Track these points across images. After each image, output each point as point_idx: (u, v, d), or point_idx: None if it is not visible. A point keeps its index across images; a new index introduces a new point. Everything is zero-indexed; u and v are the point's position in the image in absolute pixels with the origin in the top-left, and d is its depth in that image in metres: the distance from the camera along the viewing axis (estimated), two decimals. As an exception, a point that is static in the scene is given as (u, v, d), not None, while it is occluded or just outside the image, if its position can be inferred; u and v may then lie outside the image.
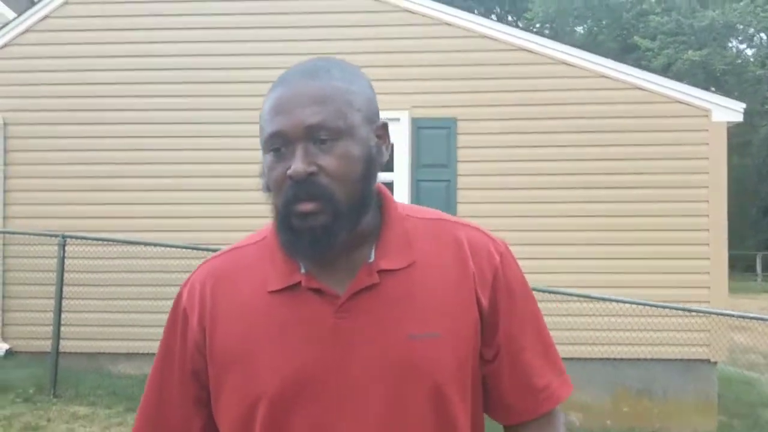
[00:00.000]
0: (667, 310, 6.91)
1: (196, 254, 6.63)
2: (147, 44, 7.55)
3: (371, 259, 1.13)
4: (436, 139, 7.37)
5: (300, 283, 1.13)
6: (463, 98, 7.34)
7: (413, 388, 1.10)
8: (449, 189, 7.37)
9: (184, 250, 6.81)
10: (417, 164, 7.42)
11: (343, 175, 1.09)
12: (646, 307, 6.84)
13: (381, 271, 1.12)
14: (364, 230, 1.14)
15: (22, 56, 7.65)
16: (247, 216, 5.82)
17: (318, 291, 1.13)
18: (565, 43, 7.68)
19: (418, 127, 7.39)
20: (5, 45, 7.70)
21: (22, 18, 7.77)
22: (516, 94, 7.31)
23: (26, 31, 7.70)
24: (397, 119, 7.37)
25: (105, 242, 7.07)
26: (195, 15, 7.55)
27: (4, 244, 7.50)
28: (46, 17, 7.68)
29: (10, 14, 10.88)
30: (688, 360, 7.21)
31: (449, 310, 1.13)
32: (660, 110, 7.22)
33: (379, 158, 1.16)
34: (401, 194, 7.36)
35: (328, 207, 1.08)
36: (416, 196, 7.38)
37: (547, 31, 29.76)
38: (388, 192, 1.21)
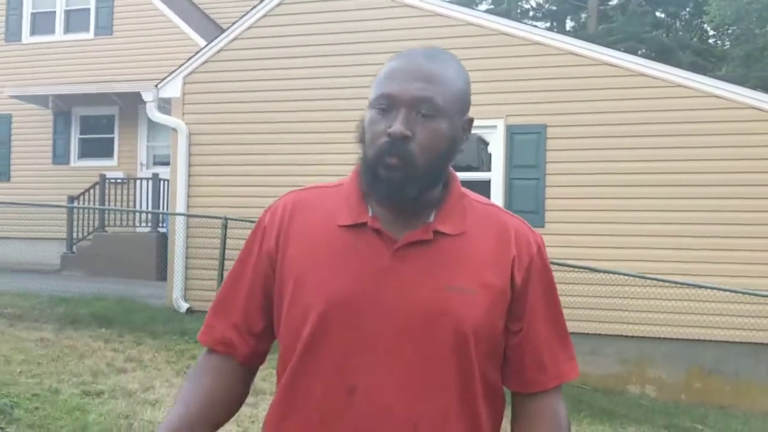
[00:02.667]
0: (738, 295, 7.60)
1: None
2: (311, 69, 9.39)
3: (431, 220, 1.30)
4: (527, 143, 8.56)
5: (366, 223, 1.30)
6: (552, 107, 8.46)
7: (441, 333, 1.23)
8: (538, 186, 8.52)
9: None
10: (510, 165, 8.64)
11: (429, 148, 1.25)
12: (722, 292, 7.59)
13: (436, 232, 1.29)
14: (431, 199, 1.31)
15: (207, 80, 9.79)
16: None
17: (379, 233, 1.28)
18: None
19: (512, 132, 8.61)
20: (192, 72, 9.89)
21: (209, 46, 9.92)
22: (599, 103, 8.32)
23: (206, 61, 9.84)
24: (494, 126, 8.66)
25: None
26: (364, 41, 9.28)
27: (188, 227, 9.66)
28: (220, 50, 9.78)
29: (201, 42, 13.37)
30: (760, 344, 7.80)
31: (486, 276, 1.28)
32: (731, 116, 7.92)
33: (460, 145, 1.34)
34: (496, 191, 8.63)
35: (406, 167, 1.24)
36: (509, 192, 8.60)
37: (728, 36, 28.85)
38: (455, 174, 1.39)
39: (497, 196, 8.61)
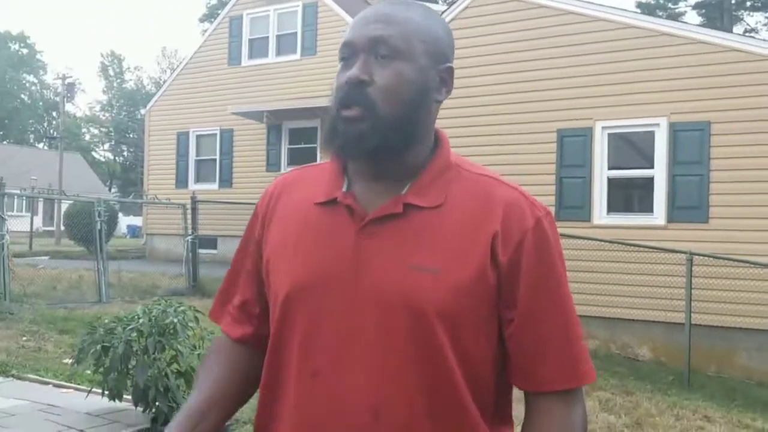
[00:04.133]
0: None
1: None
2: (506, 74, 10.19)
3: (404, 192, 1.18)
4: (691, 140, 8.69)
5: (337, 198, 1.21)
6: (716, 104, 8.54)
7: (399, 314, 1.13)
8: (702, 182, 8.62)
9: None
10: (673, 161, 8.81)
11: (391, 91, 1.15)
12: None
13: (408, 205, 1.17)
14: (410, 165, 1.20)
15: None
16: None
17: (350, 209, 1.19)
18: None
19: (675, 130, 8.79)
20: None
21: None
22: (765, 98, 8.27)
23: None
24: (657, 124, 8.89)
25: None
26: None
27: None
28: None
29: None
30: None
31: (458, 253, 1.15)
32: None
33: (436, 95, 1.22)
34: (659, 187, 8.84)
35: (369, 116, 1.14)
36: (672, 188, 8.78)
37: None
38: (447, 140, 1.27)
39: (660, 192, 8.83)
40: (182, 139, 19.47)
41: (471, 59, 10.07)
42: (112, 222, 20.72)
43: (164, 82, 23.09)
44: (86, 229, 16.44)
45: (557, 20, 9.58)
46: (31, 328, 7.76)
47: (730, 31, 25.49)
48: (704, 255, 8.03)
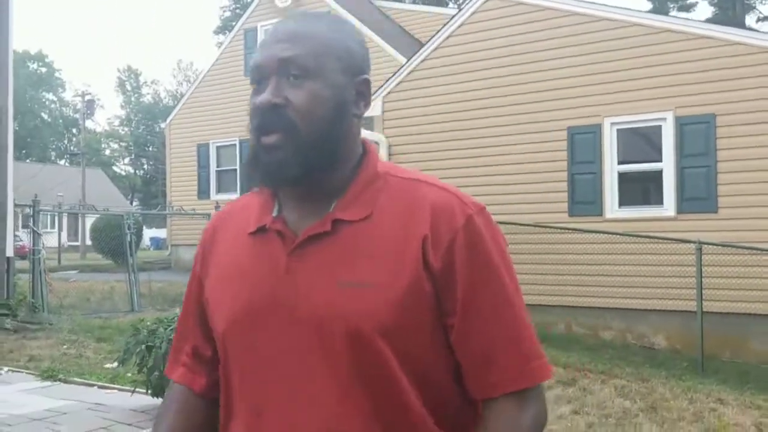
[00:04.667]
0: None
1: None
2: (487, 90, 10.49)
3: (331, 209, 1.14)
4: (696, 133, 8.93)
5: (266, 225, 1.17)
6: (720, 97, 8.77)
7: (336, 336, 1.08)
8: (709, 173, 8.86)
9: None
10: (681, 154, 9.06)
11: (309, 112, 1.11)
12: None
13: (337, 221, 1.13)
14: (336, 182, 1.16)
15: (402, 98, 11.22)
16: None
17: (280, 234, 1.15)
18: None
19: (681, 123, 9.03)
20: (390, 92, 11.37)
21: (402, 69, 11.35)
22: (766, 90, 8.50)
23: (401, 82, 11.27)
24: (664, 119, 9.14)
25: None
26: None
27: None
28: (412, 71, 11.16)
29: (401, 58, 14.91)
30: None
31: (389, 264, 1.10)
32: None
33: (355, 109, 1.17)
34: (668, 179, 9.09)
35: (290, 140, 1.10)
36: (680, 180, 9.02)
37: None
38: (374, 151, 1.22)
39: (669, 185, 9.08)
40: (203, 150, 19.93)
41: (480, 62, 10.37)
42: (138, 234, 21.27)
43: (182, 95, 23.59)
44: (114, 242, 16.95)
45: (561, 21, 9.86)
46: (71, 337, 8.17)
47: (743, 21, 25.57)
48: (712, 244, 8.26)
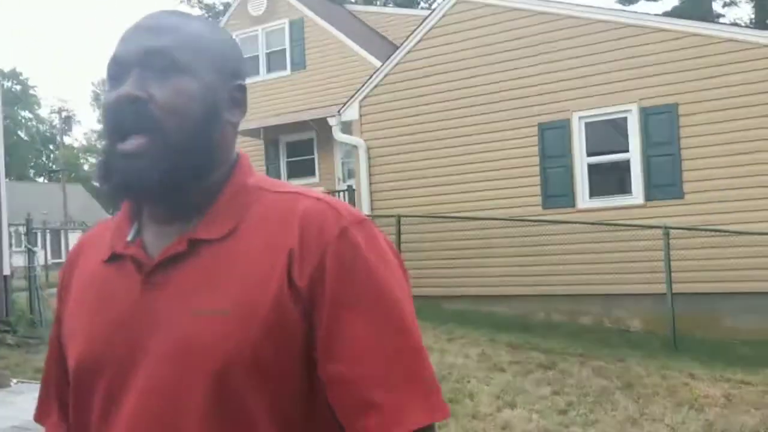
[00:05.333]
0: None
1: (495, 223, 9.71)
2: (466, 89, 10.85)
3: (191, 228, 1.01)
4: (660, 122, 9.34)
5: (117, 251, 1.04)
6: (682, 87, 9.19)
7: (191, 371, 0.94)
8: (674, 161, 9.27)
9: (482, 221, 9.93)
10: (647, 143, 9.46)
11: (176, 110, 0.96)
12: None
13: (195, 241, 0.99)
14: (203, 198, 1.02)
15: (378, 102, 11.54)
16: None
17: (134, 259, 1.01)
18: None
19: (646, 114, 9.43)
20: (366, 96, 11.68)
21: (376, 74, 11.67)
22: (725, 78, 8.92)
23: (376, 86, 11.59)
24: (629, 110, 9.54)
25: (423, 219, 10.55)
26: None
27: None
28: (386, 75, 11.48)
29: (377, 63, 15.24)
30: None
31: (247, 285, 0.95)
32: None
33: (228, 115, 1.04)
34: (635, 168, 9.49)
35: (153, 143, 0.95)
36: (647, 168, 9.43)
37: None
38: (247, 163, 1.08)
39: (637, 174, 9.48)
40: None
41: (452, 64, 10.73)
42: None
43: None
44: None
45: (528, 21, 10.23)
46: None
47: (710, 6, 26.14)
48: (678, 228, 8.67)
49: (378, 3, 35.15)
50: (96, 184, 1.00)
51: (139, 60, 0.98)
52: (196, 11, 43.00)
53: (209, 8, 41.20)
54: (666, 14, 25.89)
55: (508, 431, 5.49)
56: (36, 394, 1.20)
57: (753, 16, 26.05)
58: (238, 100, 1.07)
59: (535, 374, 7.08)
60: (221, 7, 41.02)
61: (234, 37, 1.10)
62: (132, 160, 0.95)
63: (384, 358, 0.94)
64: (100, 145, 1.20)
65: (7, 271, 8.62)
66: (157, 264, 1.00)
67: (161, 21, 1.03)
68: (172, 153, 0.96)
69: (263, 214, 1.01)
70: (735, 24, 8.47)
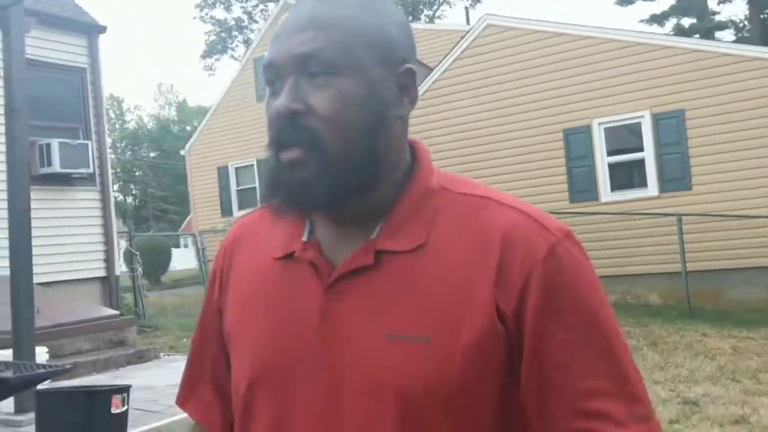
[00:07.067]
0: None
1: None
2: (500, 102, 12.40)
3: (374, 235, 0.92)
4: (670, 126, 10.93)
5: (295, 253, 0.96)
6: (688, 95, 10.77)
7: (381, 398, 0.87)
8: (683, 158, 10.87)
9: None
10: (659, 144, 11.05)
11: (337, 118, 0.88)
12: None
13: (381, 252, 0.91)
14: (381, 200, 0.93)
15: (423, 114, 13.08)
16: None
17: (312, 264, 0.93)
18: None
19: (657, 119, 11.02)
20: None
21: (422, 85, 13.21)
22: (723, 86, 10.51)
23: (425, 91, 13.12)
24: (642, 116, 11.13)
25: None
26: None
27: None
28: (435, 80, 13.06)
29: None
30: None
31: (449, 311, 0.87)
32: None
33: (397, 109, 0.92)
34: (650, 165, 11.07)
35: (314, 155, 0.88)
36: (660, 165, 11.01)
37: None
38: (427, 157, 0.97)
39: (651, 170, 11.07)
40: (222, 172, 21.72)
41: (485, 80, 12.33)
42: (168, 256, 23.10)
43: (165, 118, 25.27)
44: (152, 262, 18.79)
45: (551, 41, 11.83)
46: (183, 333, 9.95)
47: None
48: (690, 214, 10.25)
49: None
50: (264, 197, 0.94)
51: (293, 66, 0.89)
52: (208, 27, 44.68)
53: (221, 23, 42.79)
54: (665, 14, 27.46)
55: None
56: (179, 364, 1.36)
57: (747, 13, 27.43)
58: (407, 87, 0.94)
59: (576, 338, 8.62)
60: (232, 22, 42.71)
61: (399, 9, 0.98)
62: (295, 169, 0.88)
63: (606, 382, 0.85)
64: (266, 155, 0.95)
65: (118, 272, 10.14)
66: (340, 274, 0.91)
67: (315, 13, 0.91)
68: (336, 166, 0.88)
69: (454, 225, 0.91)
70: (735, 42, 9.94)
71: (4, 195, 6.51)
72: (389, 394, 0.86)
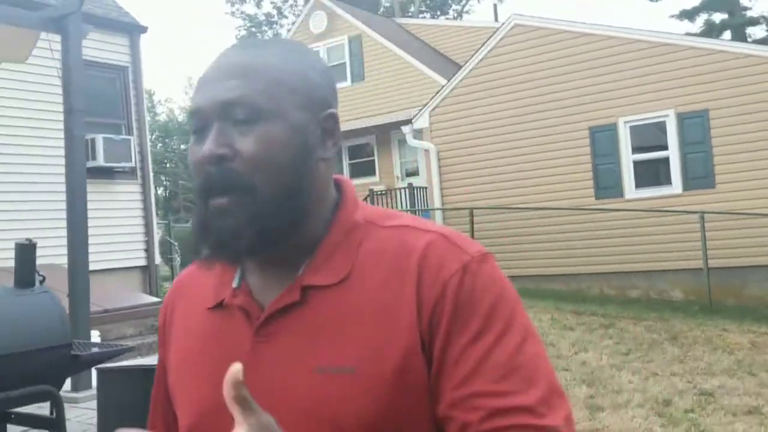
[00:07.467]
0: None
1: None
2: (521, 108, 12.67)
3: (300, 272, 0.93)
4: (694, 125, 11.11)
5: (224, 301, 0.97)
6: (711, 95, 10.95)
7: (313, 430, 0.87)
8: (707, 157, 11.05)
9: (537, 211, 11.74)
10: (683, 143, 11.23)
11: (262, 161, 0.89)
12: None
13: (307, 288, 0.91)
14: (307, 239, 0.94)
15: (446, 112, 13.40)
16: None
17: (243, 309, 0.95)
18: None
19: (681, 118, 11.20)
20: (435, 107, 13.55)
21: (445, 87, 13.53)
22: (746, 87, 10.67)
23: (444, 98, 13.45)
24: (667, 115, 11.32)
25: (491, 210, 12.39)
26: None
27: (444, 219, 13.31)
28: (453, 89, 13.35)
29: (435, 76, 17.13)
30: None
31: (373, 338, 0.88)
32: None
33: (321, 152, 0.94)
34: (674, 163, 11.27)
35: (244, 202, 0.89)
36: (684, 163, 11.20)
37: None
38: (352, 194, 1.00)
39: (675, 168, 11.27)
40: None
41: (512, 78, 12.59)
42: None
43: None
44: (191, 253, 19.27)
45: (577, 41, 12.07)
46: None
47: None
48: (712, 213, 10.45)
49: (413, 10, 36.91)
50: (193, 245, 0.92)
51: (218, 113, 0.89)
52: (238, 21, 45.21)
53: (251, 18, 43.33)
54: (696, 10, 27.36)
55: (586, 366, 7.33)
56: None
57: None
58: (331, 131, 0.95)
59: (598, 331, 8.89)
60: (262, 17, 43.22)
61: (321, 58, 1.00)
62: (225, 218, 0.88)
63: (511, 367, 0.85)
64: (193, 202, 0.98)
65: (157, 261, 10.61)
66: (269, 315, 0.91)
67: (235, 61, 0.92)
68: (263, 209, 0.88)
69: (377, 255, 0.92)
70: (757, 42, 10.06)
71: (54, 187, 6.97)
72: (325, 428, 0.87)
